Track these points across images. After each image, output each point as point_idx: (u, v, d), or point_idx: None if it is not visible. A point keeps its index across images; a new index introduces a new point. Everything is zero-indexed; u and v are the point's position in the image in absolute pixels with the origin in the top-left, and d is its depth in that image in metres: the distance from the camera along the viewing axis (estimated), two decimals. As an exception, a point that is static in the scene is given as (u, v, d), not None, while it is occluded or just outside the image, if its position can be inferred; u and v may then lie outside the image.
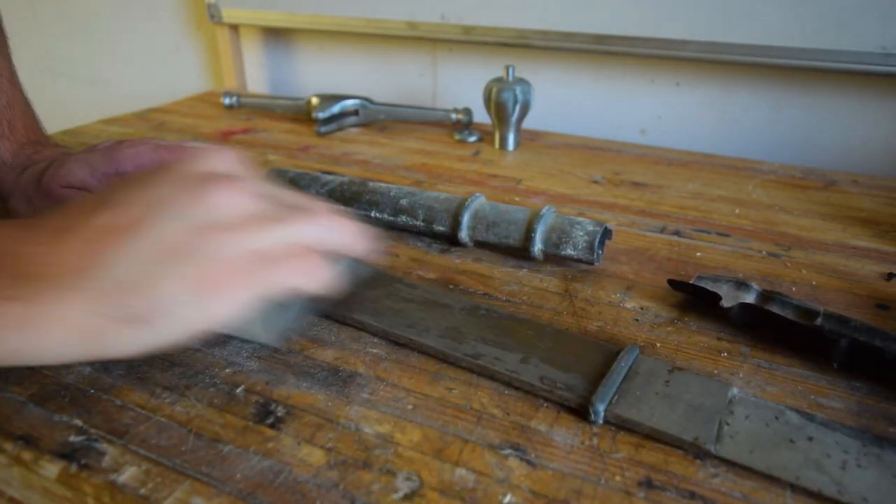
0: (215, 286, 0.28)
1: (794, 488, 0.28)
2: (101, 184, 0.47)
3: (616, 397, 0.32)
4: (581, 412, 0.32)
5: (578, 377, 0.33)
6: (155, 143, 0.48)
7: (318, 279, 0.31)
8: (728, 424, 0.30)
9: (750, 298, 0.39)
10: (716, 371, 0.36)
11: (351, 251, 0.35)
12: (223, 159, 0.33)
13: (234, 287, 0.28)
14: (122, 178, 0.32)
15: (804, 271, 0.47)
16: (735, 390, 0.33)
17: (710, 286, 0.40)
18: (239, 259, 0.29)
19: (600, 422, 0.31)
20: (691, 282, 0.41)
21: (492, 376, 0.35)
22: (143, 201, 0.29)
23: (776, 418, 0.31)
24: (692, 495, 0.28)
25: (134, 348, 0.28)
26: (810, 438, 0.30)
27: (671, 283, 0.42)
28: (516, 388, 0.34)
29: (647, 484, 0.28)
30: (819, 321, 0.36)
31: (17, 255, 0.27)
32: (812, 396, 0.34)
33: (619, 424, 0.31)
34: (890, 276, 0.46)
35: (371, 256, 0.36)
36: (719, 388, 0.33)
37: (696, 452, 0.30)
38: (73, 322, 0.26)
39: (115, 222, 0.28)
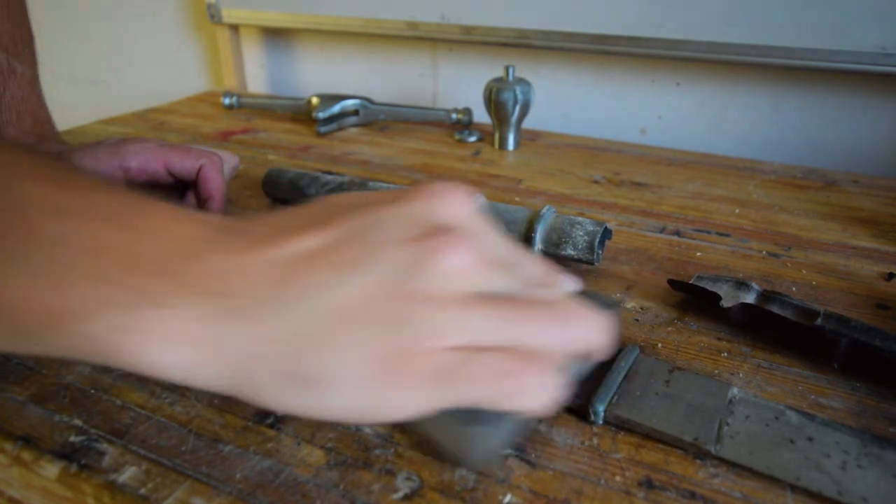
0: (403, 373, 0.22)
1: (795, 489, 0.28)
2: (106, 178, 0.47)
3: (616, 397, 0.32)
4: (581, 413, 0.32)
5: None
6: (159, 143, 0.48)
7: (538, 402, 0.24)
8: (728, 425, 0.30)
9: (750, 298, 0.39)
10: (716, 371, 0.36)
11: (592, 355, 0.27)
12: (463, 206, 0.26)
13: (421, 381, 0.22)
14: (346, 194, 0.26)
15: (804, 271, 0.47)
16: (735, 390, 0.33)
17: (710, 286, 0.40)
18: (443, 349, 0.23)
19: (600, 422, 0.31)
20: (691, 282, 0.41)
21: None
22: (356, 235, 0.23)
23: (776, 418, 0.31)
24: (692, 495, 0.28)
25: (284, 407, 0.23)
26: (810, 439, 0.30)
27: (671, 283, 0.42)
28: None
29: (647, 484, 0.28)
30: (819, 321, 0.36)
31: (195, 259, 0.23)
32: (812, 396, 0.34)
33: (619, 425, 0.31)
34: (890, 276, 0.46)
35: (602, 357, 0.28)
36: (719, 388, 0.33)
37: (696, 453, 0.30)
38: (232, 359, 0.22)
39: (316, 249, 0.23)
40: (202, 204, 0.48)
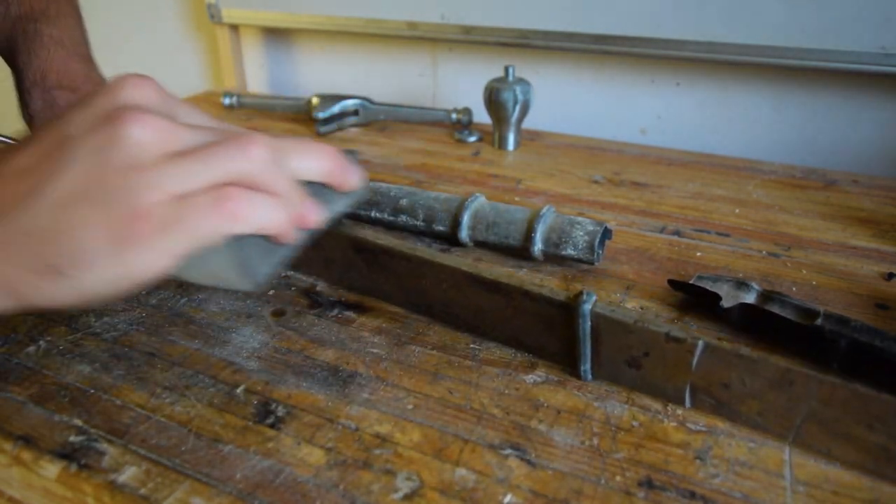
0: (134, 235, 0.25)
1: (795, 490, 0.28)
2: None
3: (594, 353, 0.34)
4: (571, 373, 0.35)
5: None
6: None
7: (258, 221, 0.27)
8: None
9: (750, 298, 0.39)
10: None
11: (343, 185, 0.32)
12: (140, 89, 0.28)
13: (154, 236, 0.25)
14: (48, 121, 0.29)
15: (804, 271, 0.47)
16: (701, 344, 0.32)
17: (710, 286, 0.40)
18: (159, 203, 0.25)
19: (589, 378, 0.34)
20: (691, 282, 0.41)
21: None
22: (54, 140, 0.26)
23: None
24: (692, 495, 0.28)
25: (59, 299, 0.26)
26: None
27: (671, 283, 0.42)
28: (516, 389, 0.34)
29: (647, 484, 0.28)
30: (819, 321, 0.36)
31: None
32: (812, 396, 0.34)
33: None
34: (890, 276, 0.46)
35: (354, 186, 0.33)
36: None
37: None
38: None
39: (27, 164, 0.26)
40: None
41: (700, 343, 0.31)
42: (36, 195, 0.25)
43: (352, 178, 0.33)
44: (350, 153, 0.34)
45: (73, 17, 0.58)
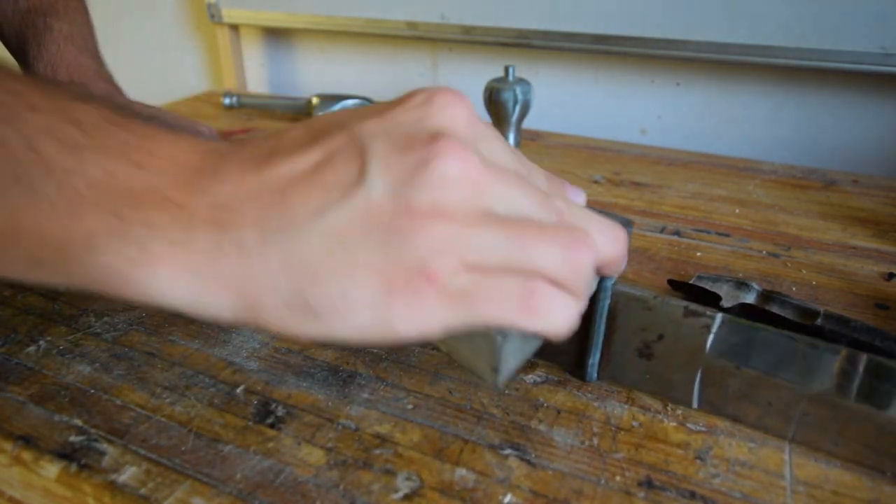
0: (411, 293, 0.21)
1: (795, 490, 0.28)
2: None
3: (604, 352, 0.34)
4: (575, 373, 0.34)
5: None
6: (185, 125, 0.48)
7: (559, 322, 0.23)
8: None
9: (750, 298, 0.39)
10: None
11: (607, 270, 0.27)
12: (456, 111, 0.24)
13: (434, 301, 0.21)
14: (338, 111, 0.25)
15: (804, 271, 0.47)
16: (718, 319, 0.31)
17: (710, 286, 0.40)
18: (453, 269, 0.21)
19: (595, 379, 0.34)
20: (691, 282, 0.41)
21: None
22: (347, 148, 0.22)
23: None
24: (692, 495, 0.28)
25: (297, 333, 0.22)
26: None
27: (671, 283, 0.42)
28: (515, 389, 0.34)
29: (647, 484, 0.28)
30: (819, 321, 0.36)
31: (199, 192, 0.22)
32: (812, 396, 0.34)
33: (614, 380, 0.33)
34: (890, 276, 0.46)
35: (620, 270, 0.28)
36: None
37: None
38: (240, 288, 0.22)
39: (308, 169, 0.22)
40: None
41: (718, 317, 0.31)
42: (313, 217, 0.21)
43: (623, 266, 0.28)
44: (629, 227, 0.30)
45: (81, 12, 0.58)
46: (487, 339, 0.25)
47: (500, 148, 0.25)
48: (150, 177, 0.22)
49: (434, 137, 0.22)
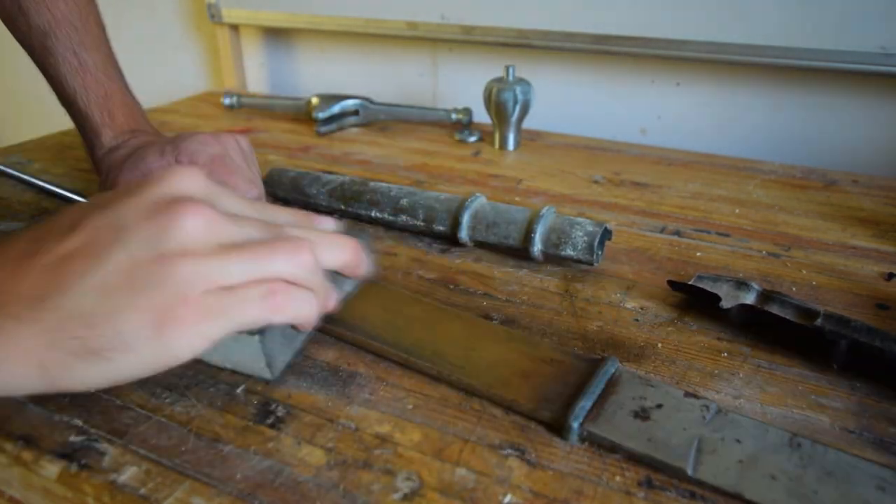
0: (176, 319, 0.26)
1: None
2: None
3: (592, 413, 0.31)
4: (556, 427, 0.31)
5: (555, 393, 0.32)
6: (213, 146, 0.48)
7: (295, 314, 0.30)
8: (707, 445, 0.29)
9: (750, 298, 0.39)
10: (716, 371, 0.36)
11: (344, 271, 0.34)
12: (193, 180, 0.30)
13: (196, 321, 0.26)
14: (92, 199, 0.30)
15: (804, 271, 0.47)
16: (715, 406, 0.31)
17: (710, 286, 0.40)
18: (206, 292, 0.27)
19: (574, 441, 0.30)
20: (691, 282, 0.41)
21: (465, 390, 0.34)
22: (105, 226, 0.27)
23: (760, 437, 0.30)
24: (692, 495, 0.28)
25: (93, 382, 0.26)
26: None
27: (671, 283, 0.42)
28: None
29: (647, 484, 0.28)
30: (819, 321, 0.36)
31: None
32: (812, 396, 0.34)
33: (596, 443, 0.30)
34: (890, 276, 0.46)
35: (365, 272, 0.36)
36: (699, 405, 0.31)
37: (674, 474, 0.29)
38: (29, 355, 0.25)
39: (75, 248, 0.27)
40: None
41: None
42: (82, 279, 0.26)
43: (365, 267, 0.35)
44: (363, 237, 0.37)
45: (93, 17, 0.58)
46: (252, 342, 0.32)
47: (234, 201, 0.31)
48: None
49: (175, 201, 0.27)
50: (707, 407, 0.31)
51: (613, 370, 0.33)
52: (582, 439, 0.30)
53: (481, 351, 0.36)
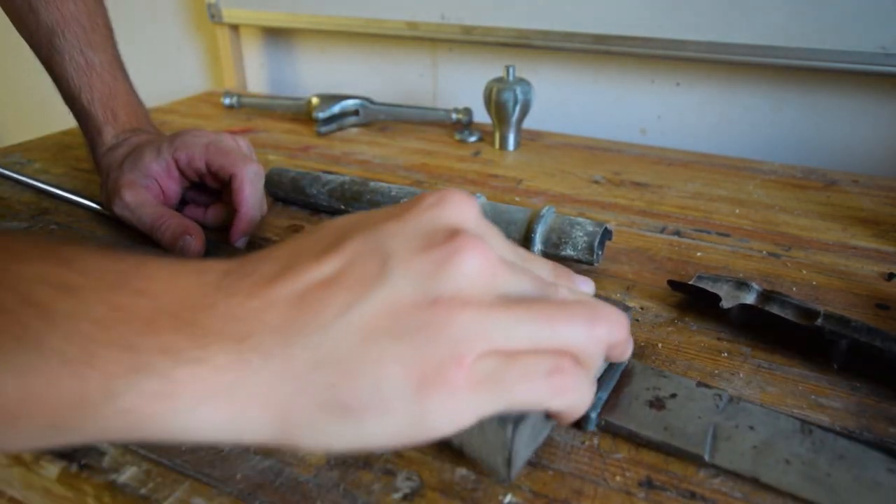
0: (446, 384, 0.21)
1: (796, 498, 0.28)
2: (163, 170, 0.48)
3: (609, 403, 0.31)
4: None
5: None
6: (211, 137, 0.49)
7: (581, 400, 0.25)
8: (722, 431, 0.30)
9: (750, 299, 0.39)
10: (716, 371, 0.36)
11: (618, 354, 0.28)
12: (468, 209, 0.25)
13: (468, 389, 0.21)
14: (355, 216, 0.25)
15: (804, 271, 0.47)
16: (727, 395, 0.32)
17: (710, 286, 0.40)
18: (482, 354, 0.22)
19: (592, 427, 0.31)
20: (691, 282, 0.41)
21: None
22: (368, 252, 0.23)
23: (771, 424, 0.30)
24: (692, 495, 0.28)
25: (335, 445, 0.22)
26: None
27: (671, 283, 0.42)
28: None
29: (648, 484, 0.28)
30: (819, 321, 0.36)
31: (210, 307, 0.21)
32: (812, 396, 0.34)
33: (613, 432, 0.31)
34: (890, 276, 0.46)
35: (625, 356, 0.29)
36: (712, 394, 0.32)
37: (692, 459, 0.29)
38: (270, 400, 0.21)
39: (331, 275, 0.22)
40: (233, 213, 0.49)
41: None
42: (341, 317, 0.21)
43: (628, 352, 0.29)
44: (626, 311, 0.32)
45: (101, 17, 0.58)
46: (499, 432, 0.25)
47: (503, 243, 0.26)
48: (154, 302, 0.21)
49: (452, 235, 0.23)
50: (720, 396, 0.32)
51: (626, 362, 0.34)
52: (600, 429, 0.31)
53: None
